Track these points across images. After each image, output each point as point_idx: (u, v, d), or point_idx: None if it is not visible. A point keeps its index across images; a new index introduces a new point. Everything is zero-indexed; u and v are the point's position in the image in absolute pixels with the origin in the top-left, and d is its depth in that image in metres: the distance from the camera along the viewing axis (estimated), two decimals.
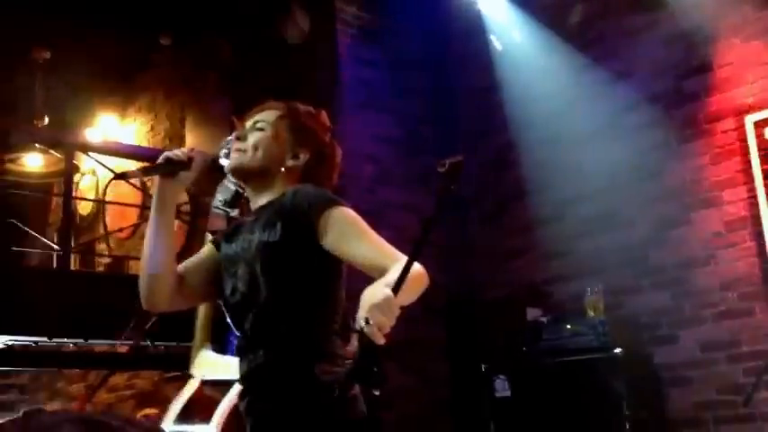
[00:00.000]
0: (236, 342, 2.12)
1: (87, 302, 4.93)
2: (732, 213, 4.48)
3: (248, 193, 2.20)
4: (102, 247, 7.67)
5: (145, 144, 7.48)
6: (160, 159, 2.03)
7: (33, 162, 7.76)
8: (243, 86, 6.20)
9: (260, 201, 2.14)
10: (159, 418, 5.88)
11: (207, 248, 2.22)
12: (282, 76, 5.85)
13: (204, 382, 3.21)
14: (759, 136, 4.39)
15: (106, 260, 7.44)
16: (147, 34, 6.78)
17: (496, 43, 5.49)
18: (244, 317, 2.04)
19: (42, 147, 7.07)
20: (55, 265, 6.37)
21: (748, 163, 4.42)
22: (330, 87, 5.51)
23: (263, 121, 2.16)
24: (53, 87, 7.17)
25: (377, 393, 1.90)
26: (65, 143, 6.11)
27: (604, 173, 4.99)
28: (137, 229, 7.26)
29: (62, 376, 7.83)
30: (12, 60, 6.75)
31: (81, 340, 5.30)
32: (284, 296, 1.98)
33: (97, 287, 5.45)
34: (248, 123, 2.18)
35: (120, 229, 7.39)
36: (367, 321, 1.60)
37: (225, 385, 2.86)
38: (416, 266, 1.85)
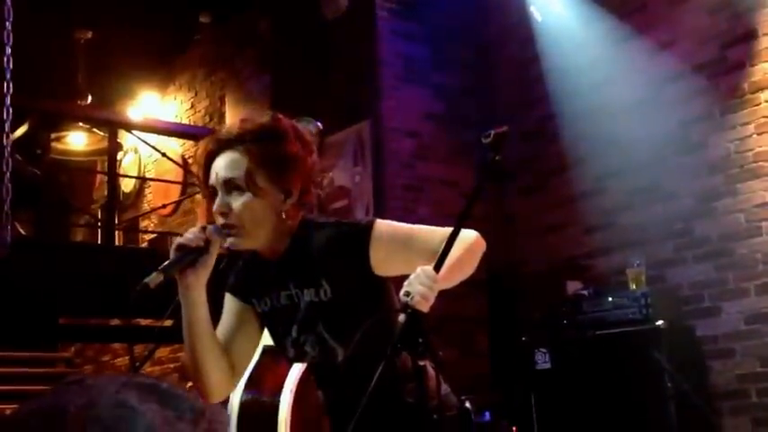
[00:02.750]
0: None
1: (131, 277, 5.03)
2: None
3: (259, 249, 1.96)
4: (145, 223, 7.80)
5: (185, 121, 7.56)
6: (174, 250, 1.80)
7: (77, 141, 7.88)
8: (282, 63, 6.22)
9: (274, 248, 1.93)
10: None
11: (232, 306, 2.01)
12: (321, 51, 5.86)
13: (265, 350, 3.22)
14: None
15: (149, 236, 7.56)
16: (187, 13, 6.83)
17: (537, 14, 5.44)
18: (324, 374, 1.99)
19: (86, 125, 7.18)
20: (99, 241, 6.50)
21: None
22: (369, 62, 5.52)
23: (235, 179, 1.84)
24: (95, 67, 7.26)
25: (422, 364, 1.95)
26: (108, 121, 6.21)
27: (647, 145, 4.94)
28: (179, 206, 7.36)
29: (107, 350, 8.00)
30: (55, 41, 6.84)
31: (125, 315, 5.41)
32: (360, 339, 1.85)
33: (141, 262, 5.54)
34: (217, 182, 1.86)
35: (163, 206, 7.51)
36: (408, 294, 1.67)
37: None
38: (469, 234, 1.90)
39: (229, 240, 1.85)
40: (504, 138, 1.92)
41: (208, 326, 1.88)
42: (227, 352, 1.94)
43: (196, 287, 1.83)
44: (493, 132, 1.94)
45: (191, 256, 1.80)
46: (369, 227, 1.89)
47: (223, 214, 1.85)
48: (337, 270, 1.89)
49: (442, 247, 1.78)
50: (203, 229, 1.83)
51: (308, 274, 1.91)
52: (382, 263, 1.88)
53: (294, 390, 2.17)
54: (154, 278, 1.73)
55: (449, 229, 1.85)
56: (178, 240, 1.81)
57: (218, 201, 1.86)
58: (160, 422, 0.98)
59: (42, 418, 0.94)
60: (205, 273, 1.83)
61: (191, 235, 1.81)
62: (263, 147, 1.85)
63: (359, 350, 1.89)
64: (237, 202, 1.85)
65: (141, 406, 0.99)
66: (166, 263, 1.78)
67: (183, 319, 1.86)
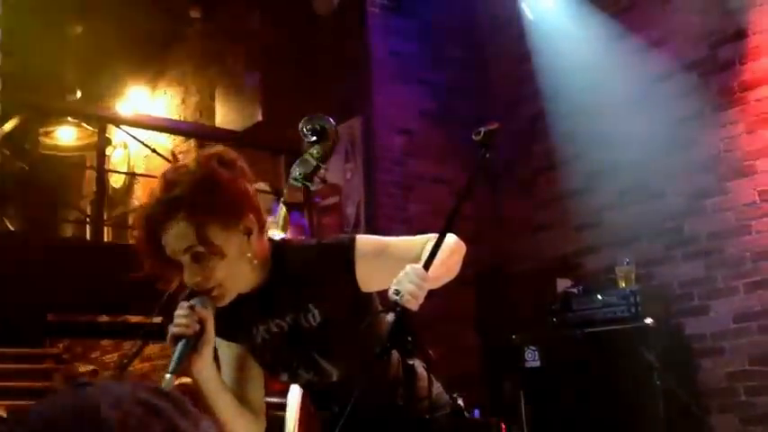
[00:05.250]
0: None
1: (121, 274, 5.01)
2: (766, 183, 4.44)
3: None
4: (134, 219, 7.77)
5: (175, 117, 7.53)
6: (171, 342, 1.72)
7: (66, 136, 7.85)
8: (273, 59, 6.21)
9: (254, 284, 1.86)
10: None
11: (227, 352, 1.97)
12: (312, 48, 5.85)
13: None
14: None
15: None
16: (177, 7, 6.81)
17: (528, 12, 5.44)
18: (322, 390, 1.99)
19: (75, 120, 7.15)
20: (89, 237, 6.47)
21: None
22: (360, 59, 5.51)
23: (191, 248, 1.72)
24: (84, 62, 7.23)
25: (411, 363, 1.94)
26: (97, 116, 6.18)
27: (637, 143, 4.95)
28: None
29: (97, 346, 7.97)
30: (44, 35, 6.80)
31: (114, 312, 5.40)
32: (354, 357, 1.88)
33: (130, 259, 5.52)
34: (176, 256, 1.74)
35: None
36: (398, 292, 1.66)
37: None
38: (450, 237, 1.86)
39: (212, 299, 1.78)
40: (494, 134, 1.93)
41: (224, 393, 1.85)
42: (244, 400, 1.91)
43: (205, 367, 1.79)
44: (483, 129, 1.94)
45: (191, 343, 1.74)
46: (351, 245, 1.83)
47: (197, 284, 1.75)
48: (325, 292, 1.85)
49: (431, 246, 1.77)
50: (191, 308, 1.74)
51: (294, 301, 1.86)
52: (368, 278, 1.84)
53: (299, 407, 2.17)
54: (168, 382, 1.68)
55: (428, 236, 1.85)
56: (173, 331, 1.72)
57: (186, 274, 1.74)
58: (177, 417, 0.99)
59: (74, 417, 0.93)
60: (209, 349, 1.78)
61: (182, 321, 1.72)
62: (204, 204, 1.71)
63: (354, 368, 1.88)
64: (206, 269, 1.74)
65: (160, 403, 0.99)
66: (173, 363, 1.71)
67: (202, 393, 1.81)
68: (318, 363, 1.90)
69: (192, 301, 1.76)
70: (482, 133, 1.91)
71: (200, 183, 1.72)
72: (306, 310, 1.85)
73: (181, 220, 1.70)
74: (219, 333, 1.87)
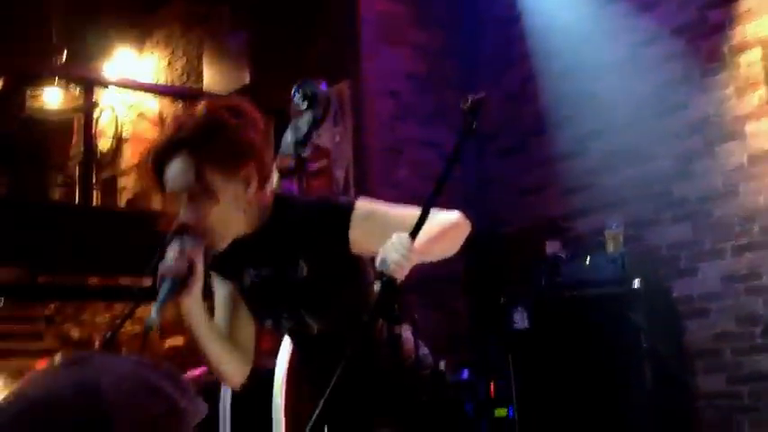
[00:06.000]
0: None
1: (109, 237, 5.00)
2: (755, 147, 4.45)
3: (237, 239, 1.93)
4: (123, 182, 7.75)
5: (163, 79, 7.47)
6: (160, 283, 1.75)
7: (53, 98, 7.78)
8: (260, 21, 6.14)
9: (248, 230, 1.90)
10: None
11: (222, 290, 2.03)
12: (299, 8, 5.79)
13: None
14: None
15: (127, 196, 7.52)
16: None
17: None
18: (300, 338, 2.05)
19: (61, 82, 7.09)
20: (77, 200, 6.45)
21: None
22: (349, 21, 5.45)
23: (189, 189, 1.78)
24: (70, 23, 7.14)
25: (397, 331, 1.96)
26: (83, 79, 6.12)
27: (627, 106, 4.94)
28: None
29: (87, 307, 7.99)
30: None
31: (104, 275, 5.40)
32: (334, 314, 1.94)
33: (119, 222, 5.52)
34: (174, 194, 1.81)
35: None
36: (383, 261, 1.68)
37: None
38: (452, 214, 1.90)
39: (208, 247, 1.83)
40: (481, 104, 1.91)
41: (212, 331, 1.92)
42: (234, 338, 1.98)
43: (194, 306, 1.84)
44: (471, 98, 1.93)
45: (179, 283, 1.78)
46: (350, 207, 1.87)
47: (191, 225, 1.79)
48: (315, 248, 1.88)
49: (419, 215, 1.78)
50: (181, 251, 1.77)
51: (286, 252, 1.90)
52: (361, 242, 1.87)
53: (288, 360, 2.20)
54: (154, 321, 1.70)
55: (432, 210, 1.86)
56: (161, 271, 1.75)
57: (181, 214, 1.80)
58: (177, 397, 1.01)
59: (74, 394, 0.94)
60: (197, 289, 1.82)
61: (171, 263, 1.76)
62: (206, 147, 1.77)
63: (335, 326, 1.92)
64: (200, 211, 1.79)
65: (160, 382, 1.01)
66: (159, 301, 1.73)
67: (191, 331, 1.88)
68: (301, 315, 1.94)
69: (181, 241, 1.79)
70: (469, 102, 1.89)
71: (205, 126, 1.79)
72: (295, 263, 1.89)
73: (182, 159, 1.77)
74: (215, 268, 1.97)
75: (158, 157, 1.81)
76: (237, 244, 1.91)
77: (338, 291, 1.90)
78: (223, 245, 1.87)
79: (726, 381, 4.47)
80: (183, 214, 1.80)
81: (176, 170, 1.79)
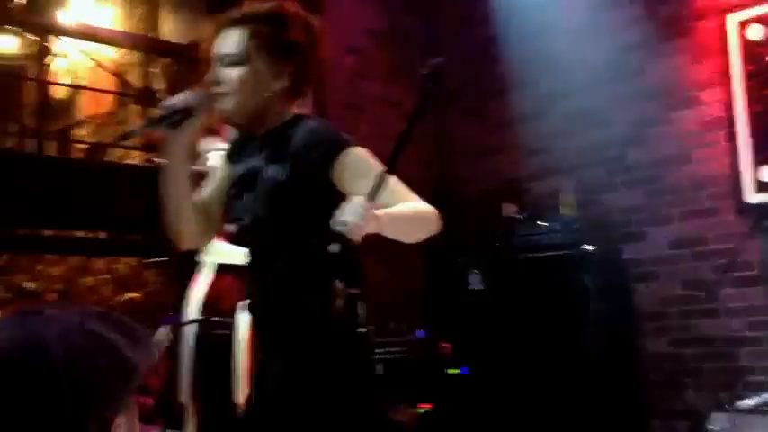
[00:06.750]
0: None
1: (64, 188, 4.93)
2: (709, 114, 4.52)
3: (246, 126, 2.10)
4: (78, 132, 7.61)
5: (120, 28, 7.31)
6: (161, 111, 1.95)
7: (6, 44, 7.57)
8: None
9: (262, 127, 2.06)
10: (141, 302, 6.01)
11: (221, 172, 2.19)
12: None
13: (221, 268, 3.22)
14: (741, 36, 4.38)
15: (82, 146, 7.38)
16: None
17: None
18: (245, 241, 2.10)
19: (15, 29, 6.90)
20: (30, 150, 6.33)
21: (728, 64, 4.43)
22: None
23: (232, 54, 1.99)
24: None
25: (355, 291, 1.98)
26: (39, 26, 5.98)
27: (585, 70, 4.98)
28: (113, 116, 7.19)
29: (41, 259, 7.90)
30: None
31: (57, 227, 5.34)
32: (286, 231, 1.99)
33: (74, 173, 5.43)
34: (216, 56, 2.01)
35: (98, 116, 7.31)
36: (342, 223, 1.73)
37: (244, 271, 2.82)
38: (426, 205, 1.97)
39: (216, 104, 1.99)
40: (441, 69, 1.93)
41: (185, 181, 2.05)
42: (208, 206, 2.13)
43: (179, 143, 2.00)
44: (431, 63, 1.94)
45: (176, 116, 1.95)
46: (348, 143, 1.97)
47: (215, 83, 1.99)
48: (303, 158, 1.96)
49: (403, 207, 1.90)
50: (189, 96, 1.96)
51: (279, 152, 2.00)
52: (341, 178, 1.95)
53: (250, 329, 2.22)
54: (137, 129, 1.98)
55: (409, 194, 1.97)
56: (165, 103, 1.96)
57: (210, 73, 2.00)
58: (124, 348, 1.02)
59: (22, 350, 0.95)
60: (188, 133, 1.99)
61: (177, 99, 1.95)
62: (263, 28, 1.99)
63: (282, 243, 1.98)
64: (230, 73, 1.98)
65: (109, 334, 1.01)
66: (149, 118, 1.94)
67: (168, 171, 2.04)
68: (259, 209, 2.01)
69: (194, 92, 1.99)
70: (429, 66, 1.91)
71: (269, 13, 2.01)
72: (283, 163, 1.98)
73: (241, 30, 1.99)
74: (230, 151, 2.17)
75: (223, 24, 2.02)
76: (247, 139, 2.10)
77: (303, 210, 1.95)
78: (230, 114, 2.01)
79: (671, 343, 4.60)
80: (211, 75, 2.00)
81: (229, 37, 2.00)
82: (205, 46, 2.05)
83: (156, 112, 1.95)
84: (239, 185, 2.09)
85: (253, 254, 2.11)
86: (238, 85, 1.98)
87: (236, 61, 1.98)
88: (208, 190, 2.17)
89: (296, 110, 2.09)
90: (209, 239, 2.22)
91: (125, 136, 2.06)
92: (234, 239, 2.17)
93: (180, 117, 1.95)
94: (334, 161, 1.95)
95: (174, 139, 2.00)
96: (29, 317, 1.01)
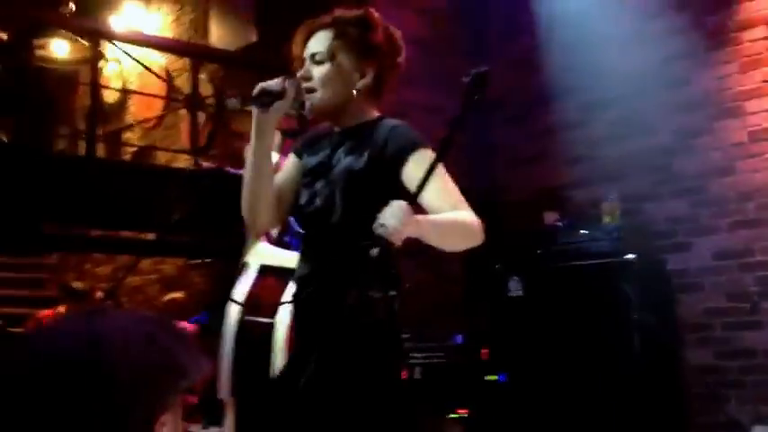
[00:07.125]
0: (296, 243, 2.21)
1: (114, 190, 5.04)
2: (755, 124, 4.48)
3: (330, 120, 2.22)
4: (128, 135, 7.77)
5: (169, 34, 7.46)
6: (255, 91, 2.07)
7: (60, 49, 7.77)
8: None
9: (344, 123, 2.18)
10: (185, 302, 6.11)
11: (292, 161, 2.28)
12: None
13: (264, 269, 3.27)
14: None
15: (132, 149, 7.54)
16: None
17: None
18: (314, 228, 2.16)
19: (69, 34, 7.08)
20: (82, 153, 6.48)
21: None
22: None
23: (320, 53, 2.14)
24: None
25: (393, 294, 2.02)
26: (90, 31, 6.12)
27: (630, 79, 4.95)
28: (162, 120, 7.33)
29: (89, 258, 8.07)
30: None
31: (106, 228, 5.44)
32: (356, 220, 2.03)
33: (123, 176, 5.55)
34: (306, 55, 2.17)
35: (147, 120, 7.46)
36: (382, 226, 1.78)
37: (287, 274, 2.78)
38: (471, 216, 2.04)
39: (306, 98, 2.12)
40: (484, 78, 1.94)
41: (267, 161, 2.14)
42: (281, 192, 2.21)
43: (266, 123, 2.10)
44: (473, 72, 1.96)
45: (269, 98, 2.07)
46: (423, 144, 2.10)
47: (305, 79, 2.13)
48: (381, 150, 2.09)
49: (451, 216, 1.99)
50: (284, 79, 2.09)
51: (359, 145, 2.13)
52: (409, 175, 2.05)
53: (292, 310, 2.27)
54: (234, 102, 2.16)
55: (463, 202, 2.06)
56: (261, 84, 2.07)
57: (303, 69, 2.16)
58: (179, 353, 1.07)
59: (77, 348, 1.00)
60: (276, 115, 2.10)
61: (273, 82, 2.07)
62: (350, 31, 2.15)
63: (352, 225, 2.04)
64: (318, 70, 2.14)
65: (166, 339, 1.06)
66: (247, 96, 2.08)
67: (250, 146, 2.14)
68: (334, 197, 2.10)
69: (288, 79, 2.11)
70: (471, 75, 1.93)
71: (358, 19, 2.17)
72: (359, 153, 2.10)
73: (330, 32, 2.15)
74: (296, 150, 2.29)
75: (313, 27, 2.19)
76: (326, 135, 2.22)
77: (371, 202, 1.95)
78: (316, 107, 2.13)
79: (714, 355, 4.55)
80: (303, 70, 2.15)
81: (319, 37, 2.16)
82: (297, 48, 2.20)
83: (252, 92, 2.08)
84: (312, 175, 2.19)
85: (310, 242, 2.17)
86: (324, 80, 2.13)
87: (322, 59, 2.14)
88: (280, 176, 2.25)
89: (375, 110, 2.21)
90: (276, 226, 2.34)
91: (227, 107, 2.23)
92: (304, 221, 2.22)
93: (271, 99, 2.07)
94: (409, 157, 2.06)
95: (262, 119, 2.09)
96: (85, 318, 1.06)
